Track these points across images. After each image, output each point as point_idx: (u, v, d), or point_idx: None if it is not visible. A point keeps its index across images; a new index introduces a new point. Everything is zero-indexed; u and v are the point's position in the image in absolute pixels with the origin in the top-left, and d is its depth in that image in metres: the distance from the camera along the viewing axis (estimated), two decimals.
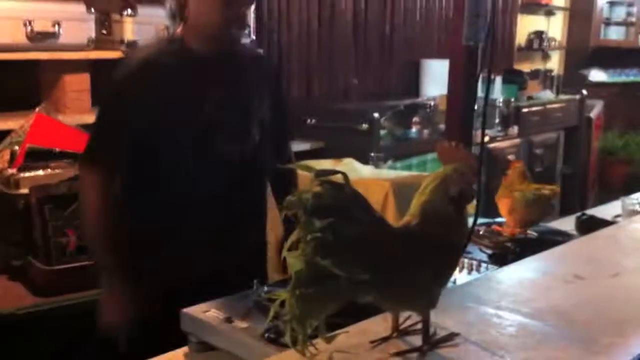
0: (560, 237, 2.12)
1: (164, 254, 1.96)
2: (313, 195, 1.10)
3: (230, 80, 1.98)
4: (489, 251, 2.00)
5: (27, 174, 2.60)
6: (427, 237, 1.23)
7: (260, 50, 4.10)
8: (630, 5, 7.64)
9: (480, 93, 3.97)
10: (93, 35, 3.19)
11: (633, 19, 7.65)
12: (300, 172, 1.16)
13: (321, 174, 1.14)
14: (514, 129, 5.03)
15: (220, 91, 1.94)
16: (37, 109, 2.82)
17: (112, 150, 1.95)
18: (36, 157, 2.69)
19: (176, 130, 1.92)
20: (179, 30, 1.96)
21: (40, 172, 2.61)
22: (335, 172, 1.17)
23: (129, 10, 3.23)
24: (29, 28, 3.00)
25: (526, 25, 6.93)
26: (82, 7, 3.19)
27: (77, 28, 3.16)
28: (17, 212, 2.54)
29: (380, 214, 1.22)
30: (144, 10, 3.27)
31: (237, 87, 1.99)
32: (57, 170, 2.63)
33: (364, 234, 1.14)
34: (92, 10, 3.20)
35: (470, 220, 1.42)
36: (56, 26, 3.08)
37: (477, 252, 1.98)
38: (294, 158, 2.32)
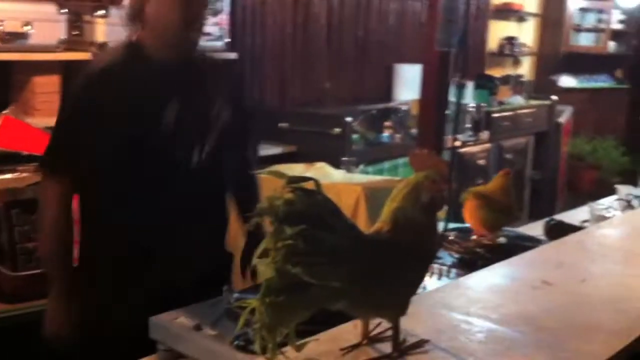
0: (529, 243, 2.14)
1: (122, 264, 1.92)
2: (284, 202, 1.10)
3: (188, 87, 1.95)
4: (459, 256, 2.01)
5: None
6: (398, 244, 1.24)
7: (233, 55, 4.11)
8: (600, 11, 7.75)
9: (452, 98, 4.03)
10: (64, 36, 3.16)
11: (603, 26, 7.76)
12: (272, 178, 1.15)
13: (293, 180, 1.14)
14: (485, 134, 5.08)
15: (178, 98, 1.91)
16: (4, 112, 2.78)
17: (68, 160, 1.91)
18: (3, 160, 2.65)
19: (133, 138, 1.88)
20: (137, 35, 1.93)
21: (8, 176, 2.58)
22: (307, 178, 1.17)
23: (101, 11, 3.20)
24: None
25: (498, 30, 6.99)
26: (53, 8, 3.15)
27: (48, 29, 3.12)
28: None
29: (351, 221, 1.23)
30: (116, 12, 3.24)
31: (196, 94, 1.97)
32: (24, 174, 2.60)
33: (335, 241, 1.14)
34: (64, 10, 3.16)
35: (441, 226, 1.43)
36: (27, 27, 3.04)
37: (447, 257, 1.99)
38: (256, 166, 2.30)
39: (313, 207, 1.14)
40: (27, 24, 3.05)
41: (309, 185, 1.16)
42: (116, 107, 1.86)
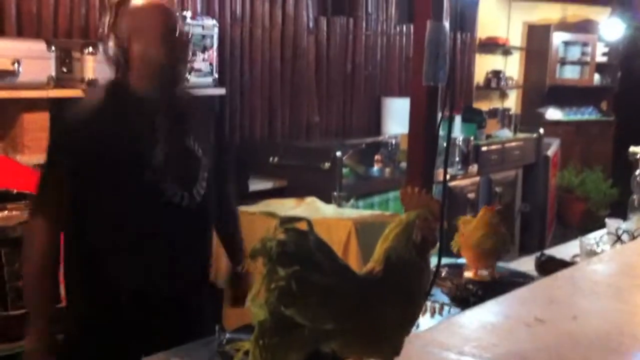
0: (520, 279, 2.14)
1: (106, 297, 1.91)
2: (277, 243, 1.10)
3: (174, 125, 1.95)
4: (451, 293, 2.01)
5: None
6: (391, 284, 1.23)
7: (222, 90, 4.12)
8: (584, 45, 7.86)
9: (440, 131, 4.05)
10: (54, 73, 3.17)
11: (587, 59, 7.87)
12: (264, 216, 1.16)
13: (285, 221, 1.14)
14: (474, 167, 5.11)
15: (165, 137, 1.91)
16: None
17: (55, 200, 1.89)
18: None
19: (121, 178, 1.87)
20: (122, 74, 1.93)
21: None
22: (300, 219, 1.17)
23: (90, 49, 3.22)
24: None
25: (484, 64, 7.08)
26: (43, 45, 3.17)
27: (38, 66, 3.13)
28: None
29: (344, 261, 1.22)
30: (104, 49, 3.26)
31: (182, 133, 1.97)
32: (14, 212, 2.58)
33: (328, 282, 1.13)
34: (53, 48, 3.18)
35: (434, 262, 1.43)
36: (16, 64, 3.05)
37: (439, 294, 1.99)
38: (235, 200, 2.32)
39: (305, 247, 1.13)
40: (16, 61, 3.05)
41: (302, 225, 1.16)
42: (103, 148, 1.85)
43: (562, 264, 2.29)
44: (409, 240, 1.25)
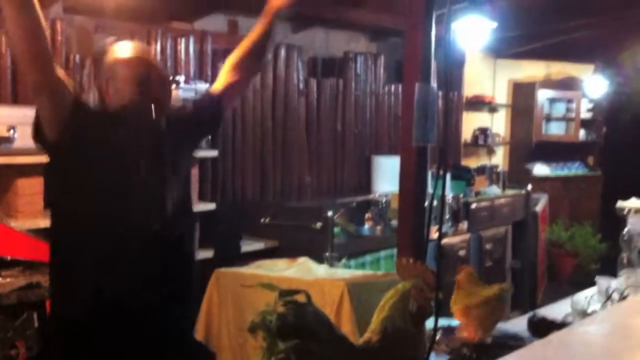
0: (513, 341, 2.16)
1: (84, 303, 1.99)
2: (277, 317, 1.13)
3: (154, 147, 2.10)
4: (446, 356, 2.02)
5: None
6: (388, 353, 1.26)
7: (214, 152, 4.17)
8: (569, 101, 8.00)
9: (430, 189, 4.09)
10: None
11: (573, 115, 8.00)
12: (262, 290, 1.18)
13: (284, 294, 1.16)
14: (464, 224, 5.14)
15: (145, 160, 2.06)
16: None
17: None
18: None
19: (98, 183, 2.00)
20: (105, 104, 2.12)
21: None
22: (298, 291, 1.19)
23: None
24: None
25: (471, 121, 7.19)
26: None
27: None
28: None
29: (342, 332, 1.25)
30: None
31: (158, 150, 2.12)
32: (8, 279, 2.58)
33: (327, 353, 1.15)
34: None
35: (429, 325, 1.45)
36: (11, 130, 3.09)
37: (434, 358, 2.00)
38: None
39: (304, 320, 1.16)
40: (11, 128, 3.09)
41: (300, 298, 1.19)
42: (93, 147, 2.01)
43: (555, 326, 2.31)
44: (405, 310, 1.27)
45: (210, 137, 4.15)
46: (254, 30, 2.41)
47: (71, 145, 1.98)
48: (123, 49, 2.13)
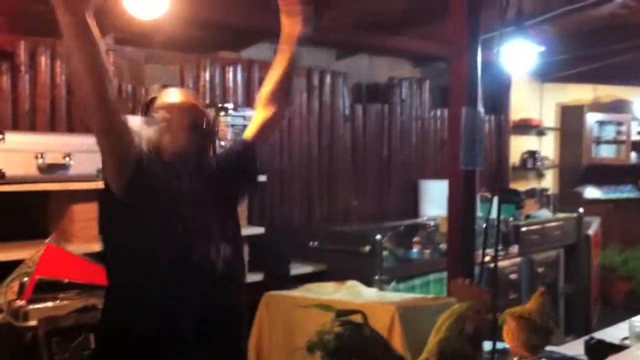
0: None
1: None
2: (334, 336, 1.13)
3: (205, 187, 2.13)
4: None
5: (35, 306, 2.60)
6: None
7: (263, 177, 4.22)
8: (619, 124, 7.87)
9: (479, 213, 4.06)
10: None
11: (623, 137, 7.86)
12: (312, 312, 1.19)
13: (341, 314, 1.17)
14: (514, 248, 5.08)
15: (197, 201, 2.09)
16: (47, 240, 2.86)
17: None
18: (45, 288, 2.71)
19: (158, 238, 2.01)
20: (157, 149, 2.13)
21: (49, 304, 2.62)
22: (355, 311, 1.20)
23: None
24: (40, 160, 3.09)
25: (519, 145, 7.12)
26: (92, 139, 3.29)
27: (87, 159, 3.25)
28: (23, 345, 2.53)
29: (399, 353, 1.25)
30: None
31: (213, 193, 2.15)
32: (65, 302, 2.64)
33: None
34: None
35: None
36: (67, 158, 3.17)
37: None
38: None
39: (362, 340, 1.16)
40: (67, 155, 3.18)
41: (356, 317, 1.19)
42: (151, 186, 2.03)
43: (612, 348, 2.26)
44: (461, 331, 1.27)
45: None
46: (277, 63, 2.39)
47: (138, 194, 1.99)
48: (173, 96, 2.16)
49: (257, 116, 2.38)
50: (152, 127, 2.12)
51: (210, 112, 2.39)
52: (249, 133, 2.37)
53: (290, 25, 2.38)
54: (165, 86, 2.33)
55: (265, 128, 2.37)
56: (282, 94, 2.39)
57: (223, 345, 2.09)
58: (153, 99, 2.18)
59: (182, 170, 2.09)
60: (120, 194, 1.98)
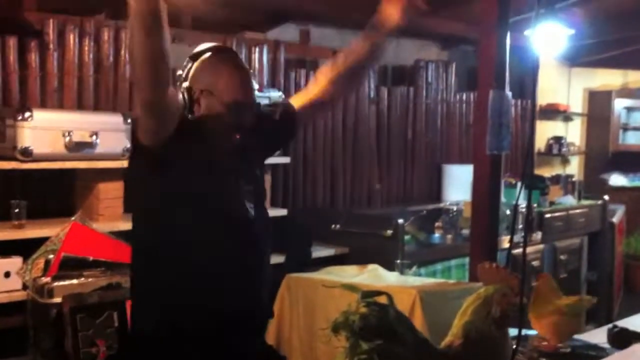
0: (593, 352, 2.10)
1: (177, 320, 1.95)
2: (360, 317, 1.13)
3: (245, 162, 2.06)
4: None
5: (60, 283, 2.64)
6: (470, 357, 1.25)
7: (287, 159, 4.22)
8: None
9: (503, 198, 4.02)
10: (128, 144, 3.30)
11: None
12: (333, 295, 1.19)
13: (366, 295, 1.17)
14: (538, 235, 5.04)
15: (235, 165, 2.02)
16: (73, 218, 2.89)
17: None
18: (70, 265, 2.74)
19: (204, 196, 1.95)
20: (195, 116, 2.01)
21: (74, 281, 2.65)
22: (380, 292, 1.20)
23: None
24: (67, 138, 3.11)
25: (545, 130, 7.05)
26: (119, 118, 3.32)
27: (114, 138, 3.28)
28: (49, 321, 2.57)
29: (423, 335, 1.24)
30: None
31: (250, 159, 2.09)
32: (90, 279, 2.67)
33: (409, 355, 1.15)
34: (129, 120, 3.32)
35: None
36: (94, 136, 3.20)
37: None
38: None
39: (387, 321, 1.16)
40: (94, 133, 3.20)
41: (382, 299, 1.19)
42: (192, 159, 1.94)
43: (636, 336, 2.24)
44: (487, 314, 1.26)
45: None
46: (358, 48, 2.18)
47: (175, 163, 1.92)
48: (231, 66, 1.99)
49: (310, 91, 2.23)
50: (195, 86, 1.97)
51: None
52: (297, 103, 2.22)
53: (389, 12, 2.17)
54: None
55: (315, 109, 2.25)
56: (350, 82, 2.25)
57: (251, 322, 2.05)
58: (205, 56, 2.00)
59: (224, 144, 1.99)
60: (159, 148, 1.89)
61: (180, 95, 1.97)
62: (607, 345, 2.27)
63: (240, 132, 1.98)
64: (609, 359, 1.94)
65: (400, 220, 4.13)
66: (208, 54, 1.99)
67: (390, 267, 3.80)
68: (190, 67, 1.99)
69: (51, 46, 3.49)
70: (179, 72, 2.01)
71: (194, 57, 2.00)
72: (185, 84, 1.97)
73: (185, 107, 1.97)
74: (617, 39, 6.16)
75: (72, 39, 3.55)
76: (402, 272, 3.87)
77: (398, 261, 3.95)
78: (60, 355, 2.52)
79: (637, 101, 7.67)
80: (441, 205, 5.10)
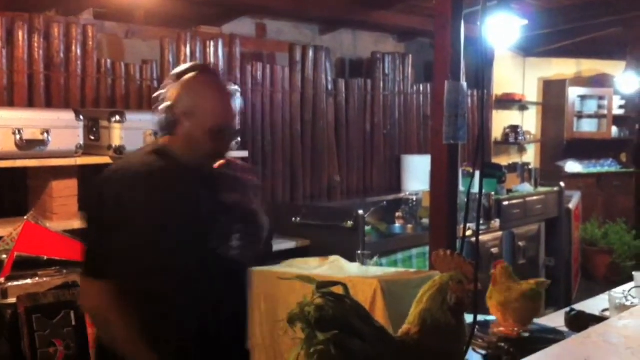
0: (551, 335, 2.13)
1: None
2: (315, 308, 1.12)
3: (213, 182, 2.05)
4: (483, 352, 2.00)
5: (14, 283, 2.58)
6: (426, 345, 1.25)
7: (245, 153, 4.19)
8: (601, 98, 7.90)
9: (461, 187, 4.06)
10: (82, 141, 3.25)
11: (604, 112, 7.90)
12: (295, 287, 1.18)
13: (322, 285, 1.16)
14: (496, 222, 5.09)
15: (206, 192, 2.01)
16: (25, 217, 2.83)
17: (112, 263, 1.92)
18: (24, 265, 2.68)
19: (172, 232, 1.94)
20: (164, 139, 2.03)
21: (29, 281, 2.60)
22: (335, 283, 1.19)
23: (117, 117, 3.30)
24: (18, 136, 3.04)
25: (501, 120, 7.14)
26: (71, 115, 3.26)
27: (66, 135, 3.21)
28: (4, 323, 2.52)
29: (380, 324, 1.24)
30: (131, 116, 3.35)
31: (219, 192, 2.06)
32: (45, 279, 2.62)
33: (365, 345, 1.15)
34: (81, 117, 3.26)
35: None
36: (45, 134, 3.13)
37: (471, 353, 1.98)
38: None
39: (343, 311, 1.15)
40: (45, 131, 3.13)
41: (338, 290, 1.18)
42: (153, 205, 1.93)
43: (593, 319, 2.28)
44: (443, 302, 1.26)
45: (239, 138, 4.17)
46: None
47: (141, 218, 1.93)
48: (215, 89, 2.01)
49: None
50: (179, 107, 1.97)
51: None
52: None
53: None
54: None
55: None
56: None
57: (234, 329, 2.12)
58: (183, 76, 2.01)
59: (199, 175, 2.01)
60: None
61: (161, 114, 1.98)
62: (564, 329, 2.30)
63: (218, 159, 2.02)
64: (566, 342, 1.96)
65: (361, 212, 4.14)
66: (192, 74, 2.00)
67: (351, 258, 3.80)
68: (173, 87, 1.98)
69: (0, 43, 3.40)
70: (161, 90, 2.01)
71: (177, 77, 2.00)
72: (167, 104, 1.97)
73: (166, 126, 1.98)
74: (570, 28, 6.26)
75: (21, 35, 3.47)
76: (363, 263, 3.87)
77: (359, 252, 3.95)
78: (18, 357, 2.47)
79: (590, 89, 7.82)
80: (401, 195, 5.13)
